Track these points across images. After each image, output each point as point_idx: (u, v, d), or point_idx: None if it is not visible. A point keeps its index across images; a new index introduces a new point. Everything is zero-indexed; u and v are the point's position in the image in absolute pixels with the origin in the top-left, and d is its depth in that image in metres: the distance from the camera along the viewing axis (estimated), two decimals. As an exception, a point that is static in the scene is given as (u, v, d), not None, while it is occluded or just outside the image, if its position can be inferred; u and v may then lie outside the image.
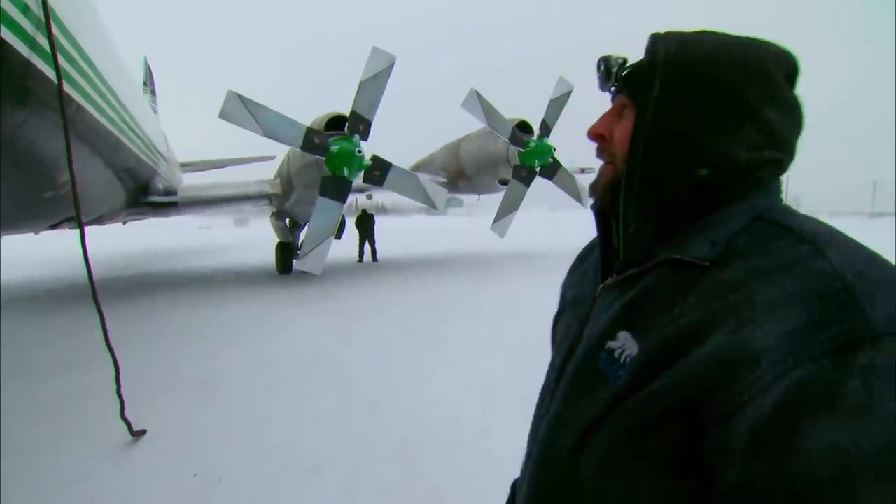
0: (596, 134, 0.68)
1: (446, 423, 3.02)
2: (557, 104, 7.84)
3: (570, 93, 7.76)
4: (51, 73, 3.17)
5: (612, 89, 0.69)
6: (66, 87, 3.22)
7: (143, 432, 2.95)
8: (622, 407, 0.54)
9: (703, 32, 0.61)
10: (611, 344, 0.58)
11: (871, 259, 0.48)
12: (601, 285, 0.67)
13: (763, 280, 0.49)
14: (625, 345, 0.57)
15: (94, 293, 3.07)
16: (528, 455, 0.71)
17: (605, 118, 0.68)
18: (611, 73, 0.67)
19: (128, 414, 2.97)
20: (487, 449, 2.67)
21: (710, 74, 0.57)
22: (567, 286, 0.83)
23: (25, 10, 2.84)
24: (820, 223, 0.54)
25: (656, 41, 0.61)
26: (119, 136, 5.75)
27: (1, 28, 2.60)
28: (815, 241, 0.50)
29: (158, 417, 3.15)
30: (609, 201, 0.67)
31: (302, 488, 2.39)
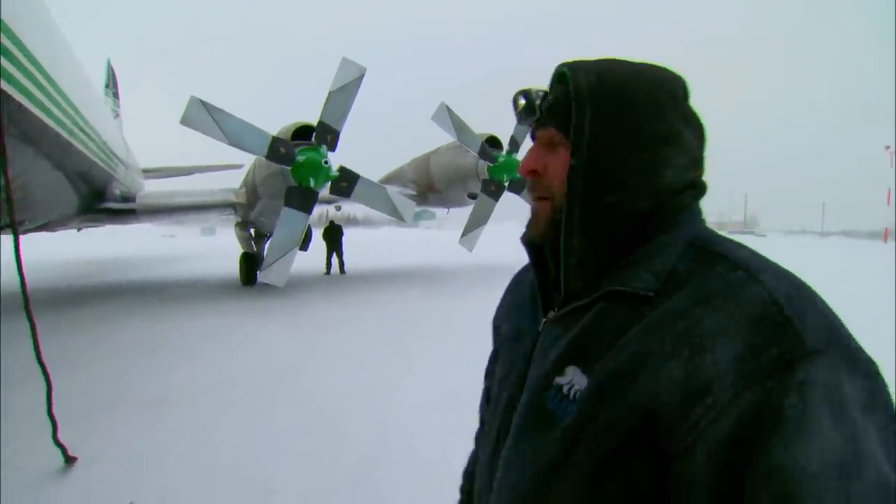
0: (529, 170, 0.65)
1: (408, 441, 2.93)
2: (526, 120, 7.96)
3: (539, 109, 7.89)
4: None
5: (533, 124, 0.66)
6: (3, 84, 3.02)
7: (74, 459, 2.72)
8: (577, 444, 0.53)
9: (608, 60, 0.62)
10: (558, 380, 0.57)
11: (796, 283, 0.51)
12: (543, 320, 0.65)
13: (707, 306, 0.49)
14: (572, 379, 0.55)
15: (27, 302, 2.84)
16: (484, 491, 0.67)
17: (536, 153, 0.65)
18: (533, 106, 0.63)
19: (63, 437, 2.75)
20: (451, 471, 2.58)
21: (633, 101, 0.58)
22: (500, 320, 0.79)
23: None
24: (745, 247, 0.56)
25: (575, 71, 0.60)
26: (69, 138, 5.48)
27: None
28: (748, 267, 0.52)
29: (97, 440, 2.94)
30: (549, 237, 0.64)
31: (249, 515, 2.25)
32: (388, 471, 2.61)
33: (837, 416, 0.42)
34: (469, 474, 0.87)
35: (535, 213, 0.65)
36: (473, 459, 0.86)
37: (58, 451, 2.70)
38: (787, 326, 0.45)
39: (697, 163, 0.62)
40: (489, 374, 0.82)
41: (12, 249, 2.79)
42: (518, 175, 7.00)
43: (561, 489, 0.54)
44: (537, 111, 0.63)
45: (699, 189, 0.62)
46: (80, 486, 2.50)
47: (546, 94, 0.63)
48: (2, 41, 3.43)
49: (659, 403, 0.47)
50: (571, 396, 0.54)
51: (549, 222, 0.63)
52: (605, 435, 0.51)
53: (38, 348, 2.83)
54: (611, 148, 0.58)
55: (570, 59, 0.64)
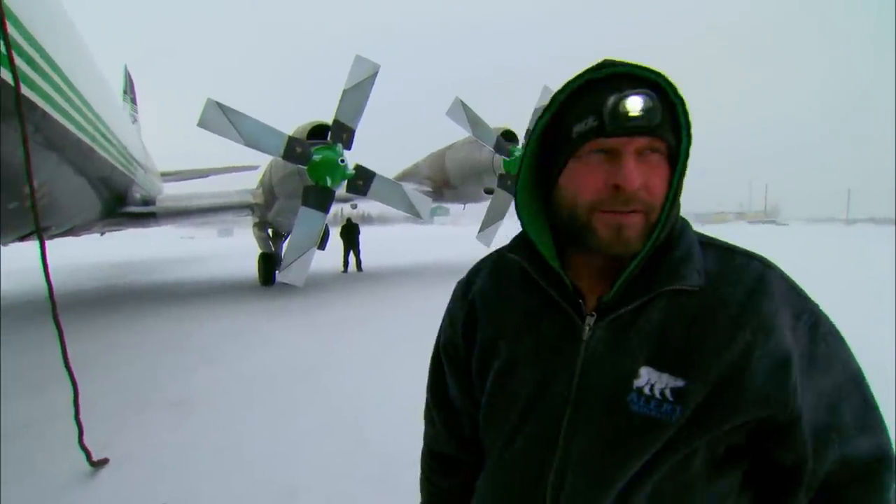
0: (644, 186, 0.58)
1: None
2: (542, 113, 7.85)
3: (554, 102, 7.77)
4: (8, 77, 3.02)
5: (626, 129, 0.57)
6: (28, 93, 3.06)
7: (105, 461, 2.74)
8: (681, 437, 0.57)
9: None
10: (636, 383, 0.59)
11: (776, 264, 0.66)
12: (587, 327, 0.63)
13: (757, 293, 0.60)
14: (650, 379, 0.58)
15: (54, 307, 2.85)
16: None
17: (639, 167, 0.58)
18: (656, 110, 0.55)
19: (94, 437, 2.79)
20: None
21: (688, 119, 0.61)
22: (489, 335, 0.72)
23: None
24: (723, 238, 0.69)
25: (670, 82, 0.59)
26: (91, 144, 5.57)
27: None
28: (754, 256, 0.65)
29: (127, 441, 2.98)
30: (636, 251, 0.62)
31: (277, 516, 2.25)
32: (412, 470, 2.59)
33: (845, 345, 0.63)
34: (442, 457, 0.86)
35: (621, 226, 0.59)
36: (437, 439, 0.87)
37: (83, 456, 2.73)
38: (802, 297, 0.62)
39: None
40: (444, 401, 0.84)
41: (39, 255, 2.80)
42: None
43: (658, 477, 0.58)
44: (658, 117, 0.56)
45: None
46: (112, 485, 2.53)
47: (651, 99, 0.56)
48: (25, 49, 3.48)
49: (762, 388, 0.56)
50: (661, 396, 0.58)
51: (644, 236, 0.60)
52: (715, 425, 0.57)
53: (66, 354, 2.85)
54: (687, 163, 0.62)
55: (621, 59, 0.60)
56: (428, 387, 0.88)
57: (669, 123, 0.58)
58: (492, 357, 0.71)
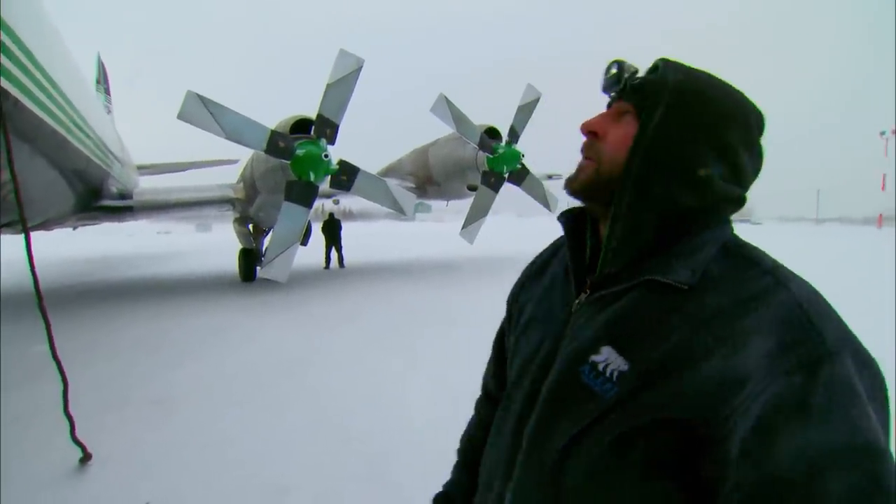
0: (590, 130, 0.69)
1: (418, 437, 2.92)
2: (525, 111, 7.89)
3: (537, 100, 7.82)
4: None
5: (614, 93, 0.70)
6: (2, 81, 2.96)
7: (89, 457, 2.71)
8: (610, 417, 0.58)
9: (701, 71, 0.67)
10: (594, 357, 0.61)
11: (815, 291, 0.58)
12: (577, 301, 0.69)
13: (744, 307, 0.56)
14: (608, 358, 0.60)
15: (41, 301, 2.81)
16: (504, 461, 0.71)
17: (603, 118, 0.69)
18: (622, 78, 0.68)
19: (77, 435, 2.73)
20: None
21: (706, 110, 0.63)
22: (525, 299, 0.82)
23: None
24: (770, 255, 0.63)
25: (666, 66, 0.65)
26: (65, 135, 5.39)
27: None
28: (776, 273, 0.59)
29: (108, 440, 2.91)
30: (586, 198, 0.70)
31: (266, 513, 2.24)
32: (400, 465, 2.61)
33: (851, 403, 0.49)
34: (470, 438, 0.94)
35: (578, 169, 0.70)
36: (475, 424, 0.94)
37: (77, 449, 2.69)
38: (811, 330, 0.52)
39: (744, 185, 0.67)
40: (499, 346, 0.92)
41: (24, 248, 2.82)
42: (518, 166, 6.95)
43: (586, 453, 0.60)
44: (623, 82, 0.67)
45: (739, 205, 0.68)
46: (95, 484, 2.49)
47: (636, 71, 0.68)
48: (10, 47, 3.36)
49: (700, 394, 0.53)
50: (608, 375, 0.59)
51: (590, 183, 0.67)
52: (641, 414, 0.56)
53: (54, 346, 2.82)
54: (671, 139, 0.62)
55: (673, 58, 0.68)
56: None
57: (653, 98, 0.64)
58: (521, 315, 0.80)
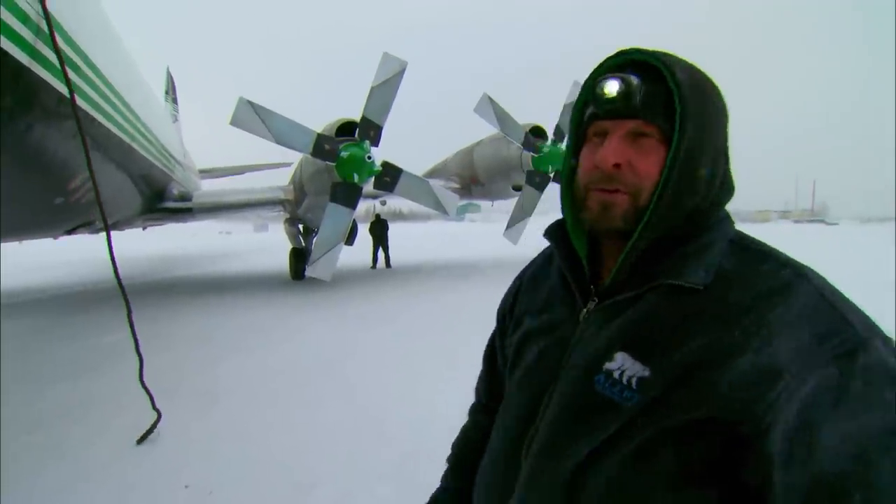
0: (613, 164, 0.61)
1: (451, 439, 2.89)
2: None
3: (584, 97, 7.61)
4: (53, 82, 3.20)
5: (610, 112, 0.62)
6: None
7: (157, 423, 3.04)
8: (633, 426, 0.56)
9: (678, 57, 0.62)
10: (608, 365, 0.59)
11: (827, 281, 0.57)
12: (584, 309, 0.67)
13: (767, 301, 0.54)
14: (623, 365, 0.58)
15: (122, 289, 3.33)
16: (502, 478, 0.68)
17: (620, 146, 0.61)
18: (633, 94, 0.59)
19: (126, 421, 2.94)
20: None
21: (716, 108, 0.61)
22: (520, 311, 0.80)
23: (25, 19, 2.86)
24: (775, 247, 0.62)
25: (672, 66, 0.60)
26: (130, 143, 5.81)
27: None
28: (791, 265, 0.58)
29: (158, 425, 3.09)
30: (625, 230, 0.63)
31: (293, 505, 2.30)
32: (429, 467, 2.59)
33: (889, 387, 0.48)
34: (467, 441, 0.93)
35: (604, 204, 0.62)
36: (468, 428, 0.94)
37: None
38: (841, 320, 0.52)
39: (728, 161, 0.65)
40: (490, 360, 0.91)
41: (105, 245, 3.33)
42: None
43: (608, 465, 0.57)
44: (636, 99, 0.59)
45: (733, 189, 0.66)
46: (143, 466, 2.67)
47: (640, 82, 0.60)
48: (73, 59, 3.68)
49: (735, 389, 0.51)
50: (626, 382, 0.57)
51: (629, 217, 0.62)
52: (671, 416, 0.54)
53: (135, 333, 3.32)
54: (701, 148, 0.59)
55: (637, 47, 0.62)
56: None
57: (667, 109, 0.59)
58: (518, 328, 0.78)
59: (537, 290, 0.79)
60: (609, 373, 0.58)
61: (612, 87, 0.59)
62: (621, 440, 0.56)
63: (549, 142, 8.47)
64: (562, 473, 0.59)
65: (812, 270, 0.58)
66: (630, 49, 0.63)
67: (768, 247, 0.62)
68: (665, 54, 0.61)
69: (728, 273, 0.58)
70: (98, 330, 5.84)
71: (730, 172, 0.65)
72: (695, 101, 0.58)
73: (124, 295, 3.33)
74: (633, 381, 0.56)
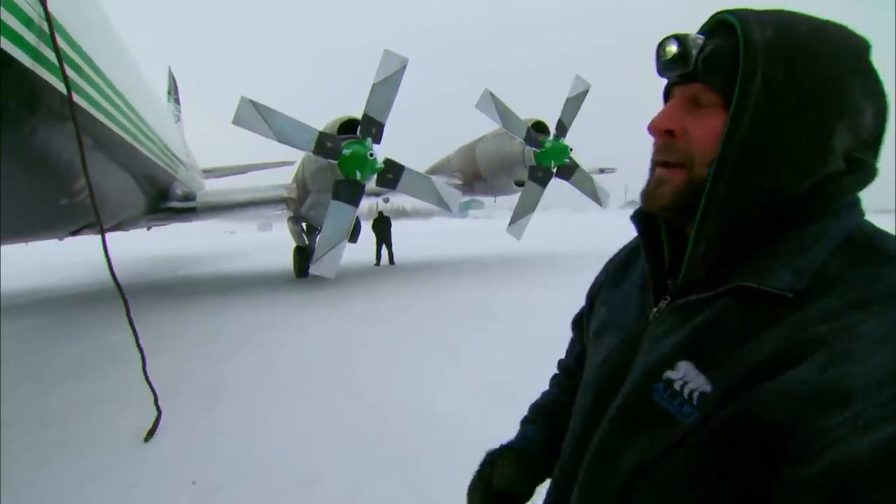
0: (665, 130, 0.56)
1: (453, 434, 2.90)
2: (574, 103, 7.67)
3: (586, 91, 7.58)
4: (56, 83, 3.21)
5: (677, 76, 0.57)
6: (74, 97, 3.27)
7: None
8: (688, 443, 0.50)
9: (786, 12, 0.52)
10: (669, 374, 0.53)
11: None
12: (654, 308, 0.61)
13: (866, 310, 0.43)
14: (686, 376, 0.51)
15: (117, 283, 3.43)
16: (563, 480, 0.65)
17: (675, 111, 0.56)
18: (689, 54, 0.54)
19: (132, 420, 2.96)
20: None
21: (813, 67, 0.49)
22: (602, 300, 0.76)
23: (28, 23, 2.87)
24: None
25: (746, 21, 0.51)
26: (133, 142, 5.82)
27: (0, 39, 2.63)
28: None
29: (162, 424, 3.12)
30: (675, 211, 0.57)
31: (297, 499, 2.32)
32: (432, 463, 2.60)
33: None
34: (566, 373, 0.91)
35: (659, 180, 0.58)
36: (557, 384, 0.93)
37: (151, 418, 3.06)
38: None
39: (869, 145, 0.52)
40: (578, 330, 0.88)
41: (101, 247, 3.36)
42: (566, 161, 6.75)
43: (659, 481, 0.52)
44: (692, 61, 0.54)
45: (867, 175, 0.53)
46: (149, 463, 2.69)
47: (704, 42, 0.54)
48: (73, 58, 3.69)
49: (789, 395, 0.43)
50: (687, 396, 0.50)
51: (681, 194, 0.56)
52: (723, 442, 0.47)
53: (136, 333, 3.41)
54: (778, 120, 0.49)
55: (737, 7, 0.54)
56: None
57: (744, 72, 0.51)
58: (596, 318, 0.74)
59: (623, 279, 0.73)
60: (670, 382, 0.52)
61: (669, 48, 0.54)
62: (675, 455, 0.51)
63: (551, 136, 8.44)
64: (612, 480, 0.56)
65: None
66: (722, 10, 0.56)
67: None
68: (756, 10, 0.53)
69: (830, 277, 0.47)
70: (104, 329, 5.88)
71: (867, 154, 0.52)
72: (774, 62, 0.49)
73: (120, 290, 3.41)
74: (695, 396, 0.50)
